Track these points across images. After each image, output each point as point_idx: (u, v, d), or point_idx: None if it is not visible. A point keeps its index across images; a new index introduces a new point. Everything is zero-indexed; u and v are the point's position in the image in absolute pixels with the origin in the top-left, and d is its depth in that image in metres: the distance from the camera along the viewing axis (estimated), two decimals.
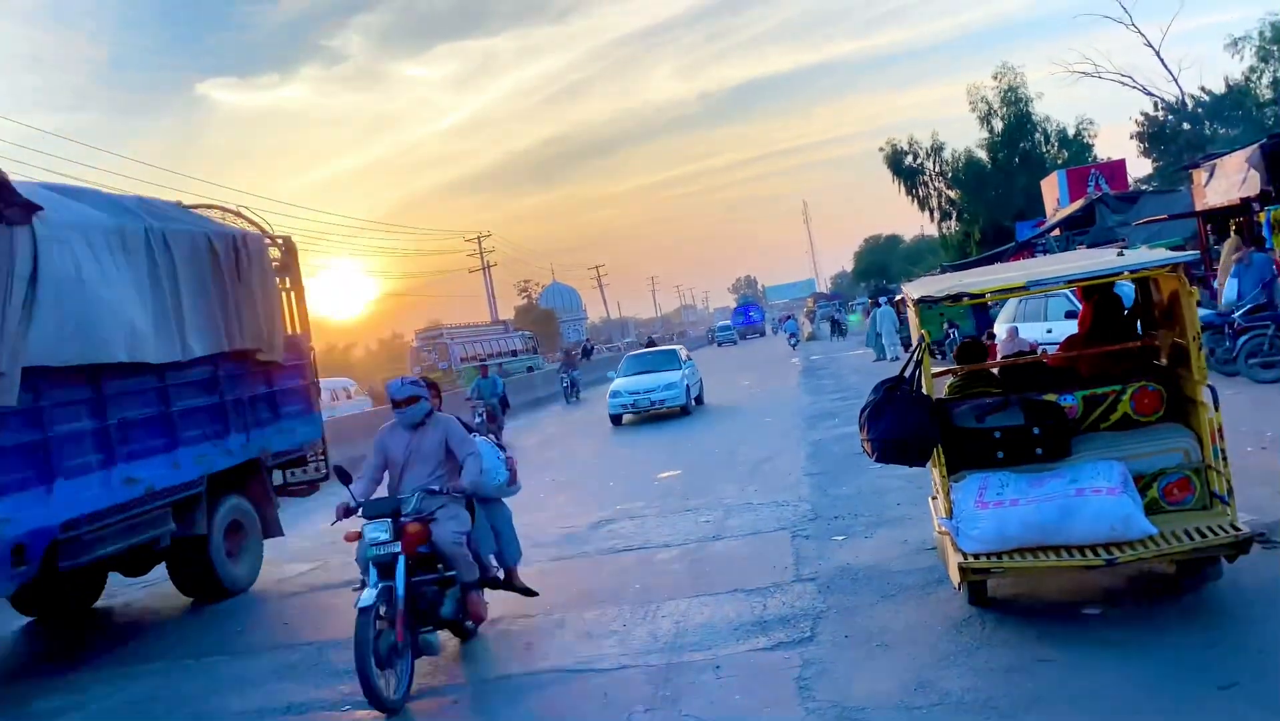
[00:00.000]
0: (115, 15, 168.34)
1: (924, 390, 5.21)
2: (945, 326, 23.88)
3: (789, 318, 64.30)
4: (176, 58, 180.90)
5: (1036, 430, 5.13)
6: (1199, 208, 20.54)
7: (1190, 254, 4.84)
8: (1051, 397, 5.37)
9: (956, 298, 4.99)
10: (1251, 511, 6.38)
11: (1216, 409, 4.92)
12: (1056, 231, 29.18)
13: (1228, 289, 14.53)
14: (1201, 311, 14.21)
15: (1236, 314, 12.85)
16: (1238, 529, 4.71)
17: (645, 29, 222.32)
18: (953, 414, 5.33)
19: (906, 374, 5.23)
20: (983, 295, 5.04)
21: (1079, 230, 28.03)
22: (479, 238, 64.54)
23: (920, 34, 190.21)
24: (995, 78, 46.33)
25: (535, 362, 48.98)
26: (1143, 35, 47.70)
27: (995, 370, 6.00)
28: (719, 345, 65.76)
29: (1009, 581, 5.61)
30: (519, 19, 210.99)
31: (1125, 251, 5.28)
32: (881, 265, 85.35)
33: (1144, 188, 36.06)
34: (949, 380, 5.92)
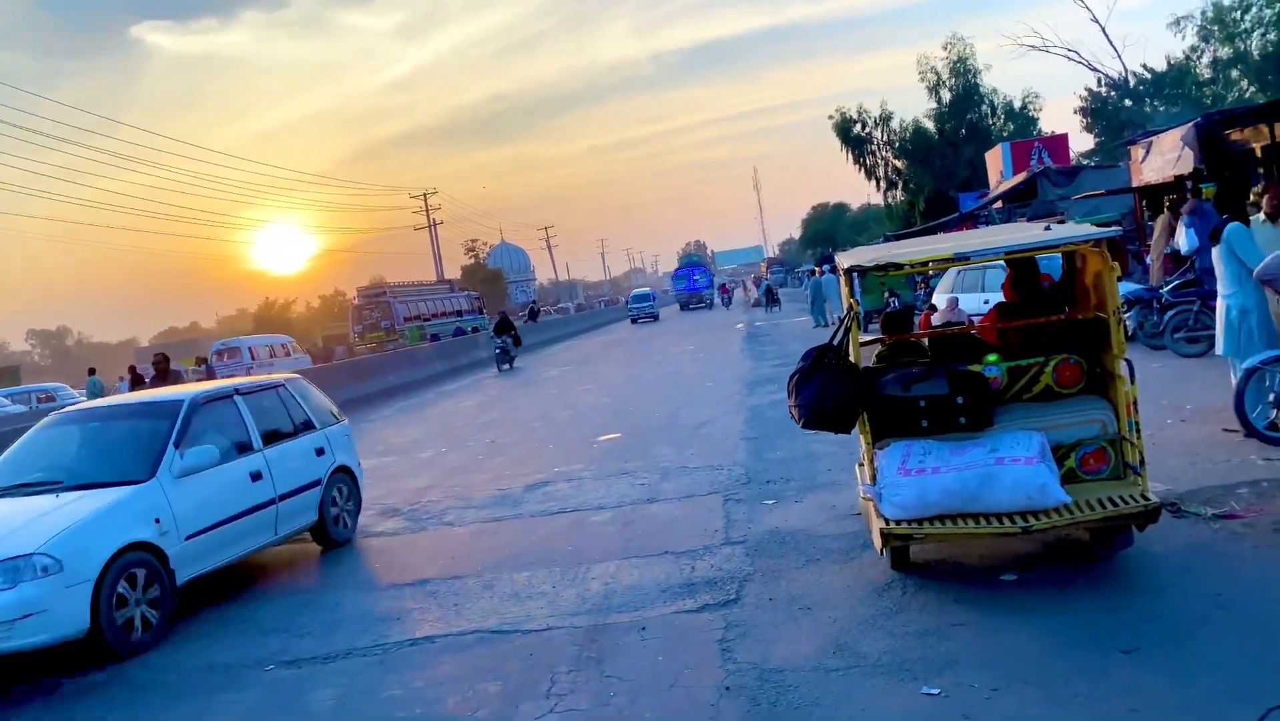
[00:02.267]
0: None
1: (852, 359, 5.26)
2: (886, 295, 24.17)
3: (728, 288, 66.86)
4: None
5: (960, 399, 5.21)
6: (1136, 184, 20.94)
7: (1112, 230, 4.92)
8: (976, 368, 5.46)
9: (885, 267, 5.03)
10: (1167, 481, 6.60)
11: (1133, 382, 5.04)
12: (999, 203, 29.60)
13: (1186, 238, 14.87)
14: (1133, 285, 14.70)
15: (1164, 289, 13.17)
16: (1148, 499, 4.85)
17: None
18: (879, 382, 5.39)
19: (835, 342, 5.27)
20: (910, 265, 5.09)
21: (1021, 203, 28.46)
22: (425, 194, 63.72)
23: (873, 2, 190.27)
24: (945, 48, 46.81)
25: (480, 323, 48.61)
26: (1089, 10, 48.45)
27: (925, 340, 6.08)
28: (635, 322, 53.69)
29: (931, 547, 5.73)
30: None
31: (1053, 226, 5.36)
32: (828, 233, 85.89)
33: (1085, 162, 36.68)
34: (878, 349, 5.99)
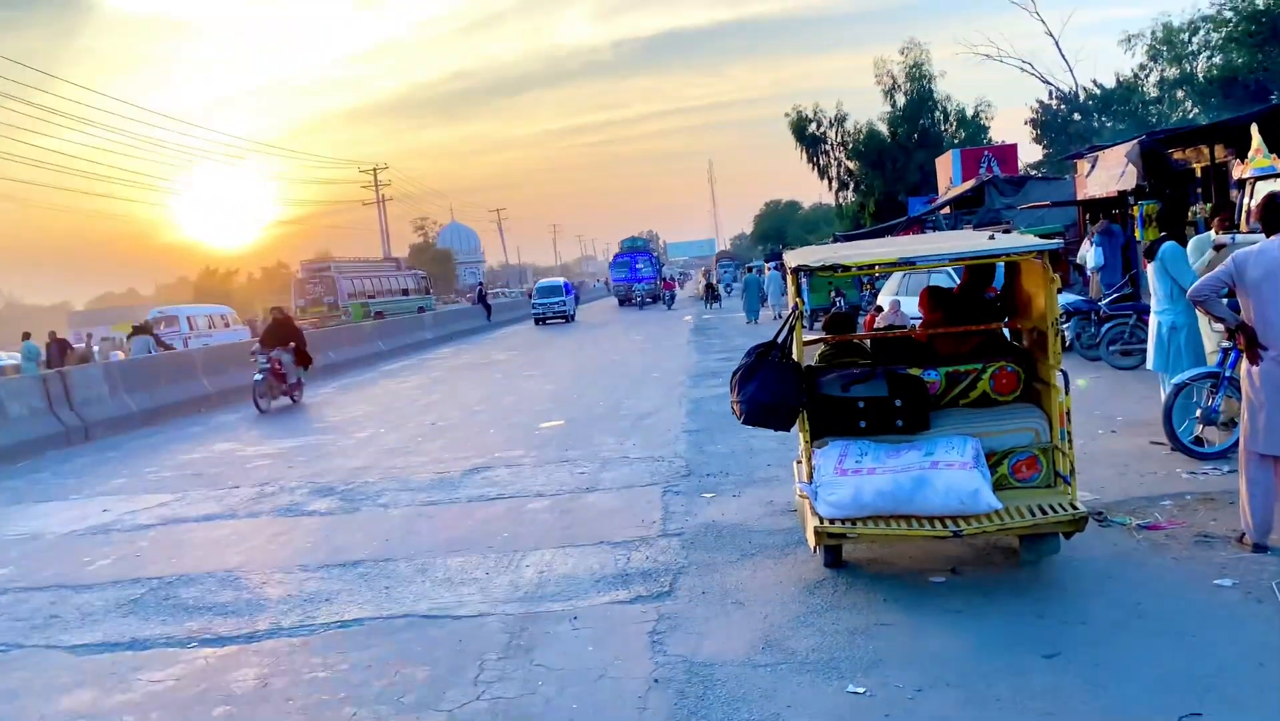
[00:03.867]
0: None
1: (794, 357, 5.29)
2: (832, 295, 24.45)
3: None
4: None
5: (898, 402, 5.26)
6: (1080, 196, 21.39)
7: (1054, 243, 5.00)
8: (916, 371, 5.52)
9: (831, 268, 5.06)
10: (1094, 491, 6.75)
11: (1067, 393, 5.14)
12: (947, 209, 30.04)
13: (1094, 255, 15.51)
14: (1075, 297, 15.02)
15: (1103, 302, 13.47)
16: (1076, 508, 4.95)
17: None
18: (820, 382, 5.43)
19: (780, 340, 5.29)
20: (857, 268, 5.12)
21: (968, 210, 28.92)
22: (374, 170, 62.85)
23: (834, 1, 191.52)
24: (903, 53, 47.36)
25: (426, 303, 48.11)
26: (1044, 24, 49.31)
27: (867, 341, 6.13)
28: (540, 323, 41.12)
29: (864, 546, 5.79)
30: None
31: (997, 235, 5.44)
32: (779, 230, 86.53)
33: (1033, 173, 37.33)
34: (821, 349, 6.02)
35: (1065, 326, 14.10)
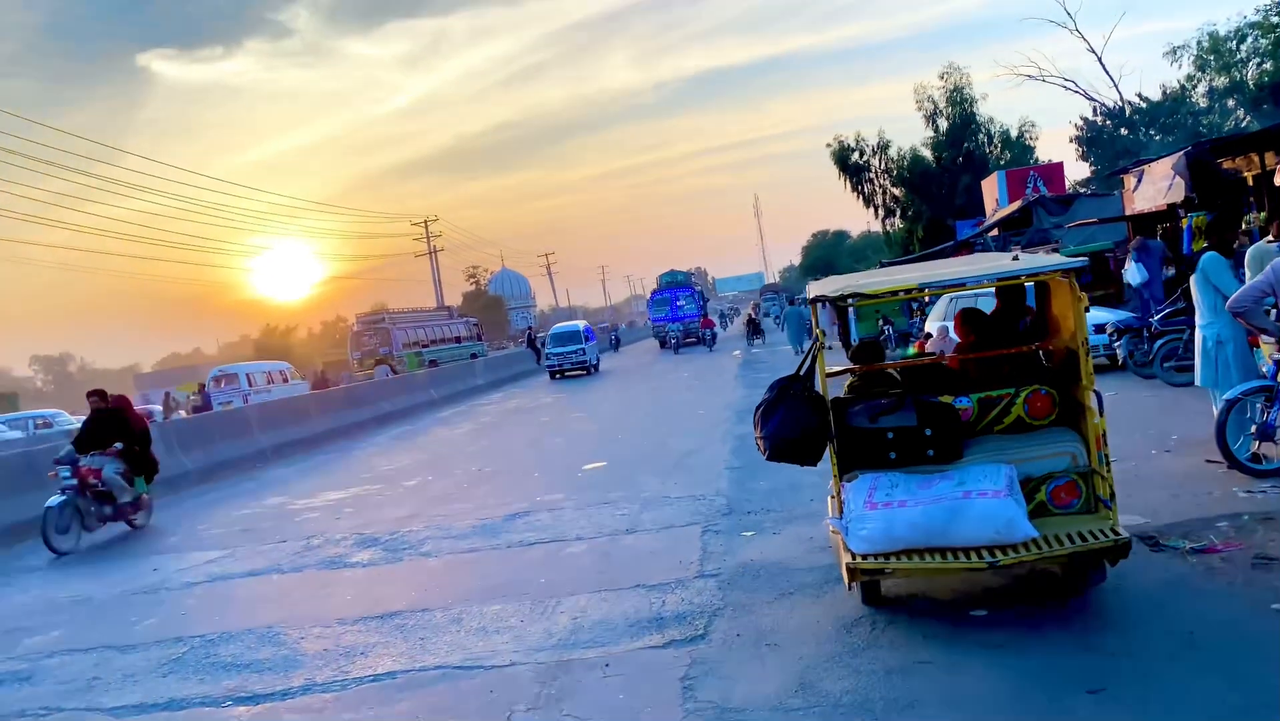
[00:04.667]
0: None
1: (819, 390, 5.18)
2: (880, 323, 24.18)
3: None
4: (116, 26, 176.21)
5: (928, 431, 5.12)
6: (1129, 212, 20.95)
7: (1079, 261, 4.85)
8: (947, 399, 5.37)
9: (849, 297, 4.96)
10: (1146, 514, 6.51)
11: (1101, 414, 4.96)
12: (995, 231, 29.63)
13: (1133, 271, 15.21)
14: (1126, 314, 14.67)
15: (1154, 318, 13.11)
16: (1118, 534, 4.75)
17: (601, 14, 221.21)
18: (847, 413, 5.31)
19: (802, 373, 5.20)
20: (876, 295, 5.02)
21: (1016, 231, 28.49)
22: (425, 222, 63.93)
23: (873, 30, 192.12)
24: (942, 78, 46.99)
25: (479, 350, 48.57)
26: (1085, 41, 48.74)
27: (896, 370, 6.00)
28: (555, 377, 33.63)
29: (903, 581, 5.62)
30: None
31: (1020, 256, 5.30)
32: (828, 260, 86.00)
33: (1082, 191, 36.73)
34: (849, 380, 5.91)
35: (1117, 345, 13.76)
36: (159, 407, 35.77)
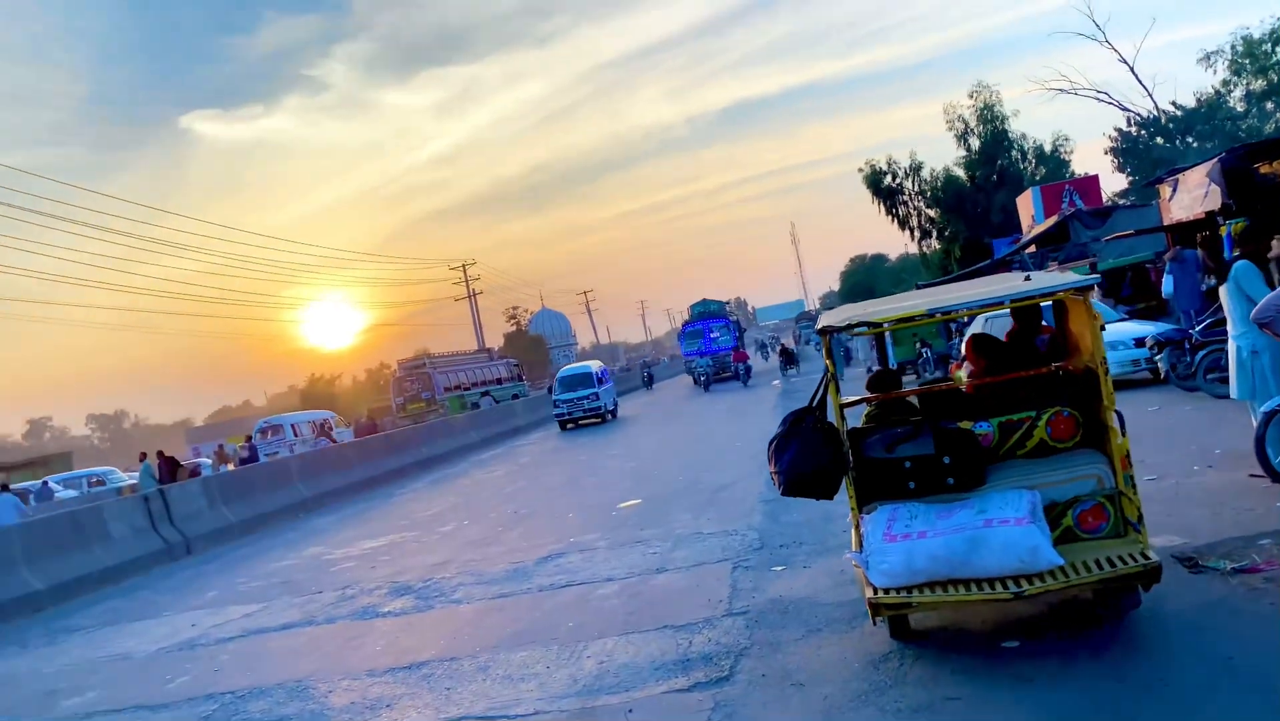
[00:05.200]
0: (96, 50, 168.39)
1: (832, 421, 5.09)
2: (918, 346, 23.88)
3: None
4: (158, 91, 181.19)
5: (947, 459, 5.01)
6: (1166, 222, 20.57)
7: (1090, 278, 4.73)
8: (966, 425, 5.25)
9: (856, 326, 4.88)
10: (1186, 533, 6.31)
11: (1124, 434, 4.81)
12: (1032, 248, 29.24)
13: (1165, 283, 14.94)
14: (1163, 326, 14.35)
15: (1195, 329, 12.80)
16: (1148, 557, 4.59)
17: (630, 53, 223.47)
18: (864, 444, 5.21)
19: (814, 404, 5.12)
20: (882, 324, 4.93)
21: (1054, 246, 28.11)
22: (464, 265, 64.59)
23: (901, 53, 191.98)
24: (971, 96, 46.75)
25: (520, 390, 48.79)
26: (1116, 51, 48.15)
27: (914, 397, 5.89)
28: (566, 427, 29.75)
29: (932, 613, 5.48)
30: (502, 45, 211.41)
31: (1032, 275, 5.18)
32: (867, 284, 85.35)
33: (1120, 202, 36.21)
34: (867, 408, 5.81)
35: (1159, 358, 13.44)
36: (208, 460, 36.25)
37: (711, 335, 43.98)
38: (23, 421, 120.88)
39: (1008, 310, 5.81)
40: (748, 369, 37.74)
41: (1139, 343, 14.10)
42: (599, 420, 30.23)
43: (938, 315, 5.01)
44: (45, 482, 32.94)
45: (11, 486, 33.90)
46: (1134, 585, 4.72)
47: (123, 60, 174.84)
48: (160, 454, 23.40)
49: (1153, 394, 13.00)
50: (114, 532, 13.89)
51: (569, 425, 29.64)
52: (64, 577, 12.48)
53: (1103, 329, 4.73)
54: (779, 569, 7.56)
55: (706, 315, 45.95)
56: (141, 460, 25.54)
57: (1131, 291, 22.00)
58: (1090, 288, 4.68)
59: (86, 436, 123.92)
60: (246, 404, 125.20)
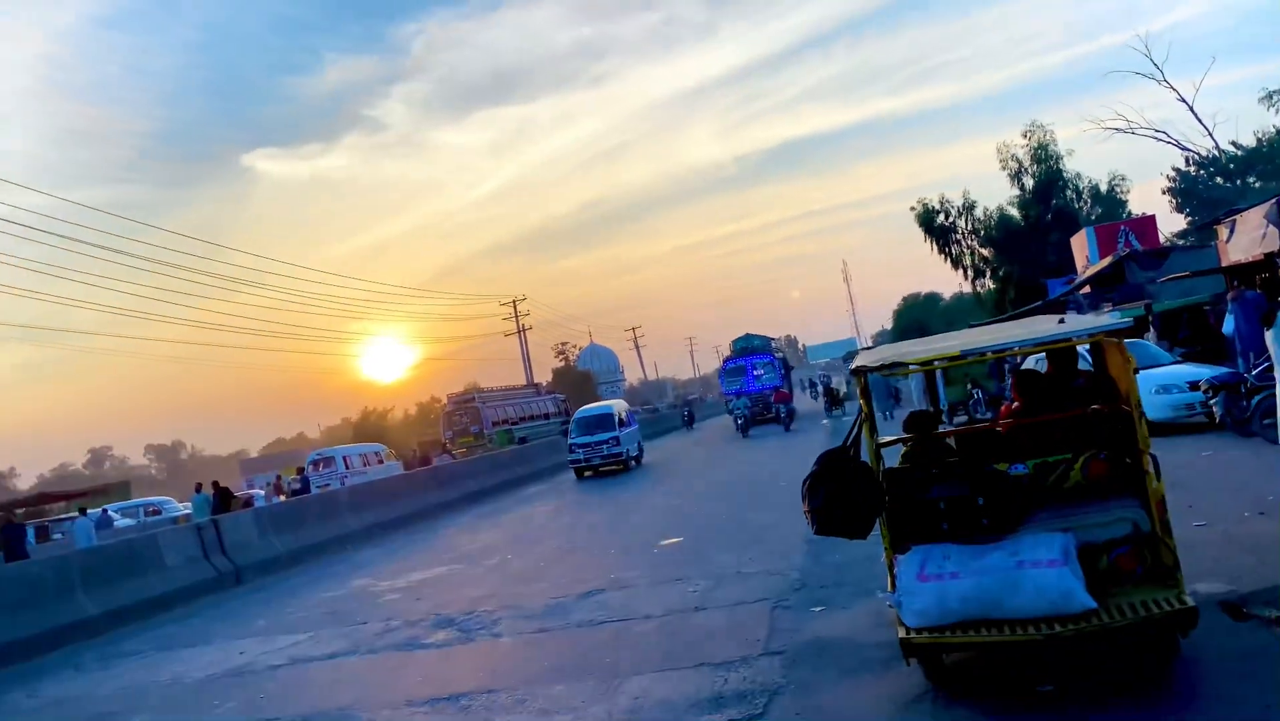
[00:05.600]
0: (163, 90, 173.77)
1: (865, 461, 5.13)
2: (969, 387, 23.65)
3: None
4: (222, 129, 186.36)
5: (981, 500, 5.01)
6: (1224, 264, 20.28)
7: (1122, 322, 4.74)
8: (1002, 466, 5.26)
9: (890, 367, 4.93)
10: (1232, 581, 6.20)
11: (1159, 479, 4.79)
12: (1086, 289, 28.90)
13: (1226, 323, 14.69)
14: (1219, 369, 14.09)
15: (1251, 372, 12.57)
16: (1184, 602, 4.54)
17: (681, 92, 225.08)
18: (898, 484, 5.24)
19: (848, 444, 5.16)
20: (917, 365, 4.98)
21: (1109, 287, 27.74)
22: (514, 301, 65.28)
23: (955, 92, 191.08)
24: (1025, 135, 46.43)
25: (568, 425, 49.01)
26: (1175, 90, 47.55)
27: (952, 439, 5.90)
28: (582, 475, 26.53)
29: (969, 655, 5.45)
30: (555, 85, 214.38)
31: (1066, 319, 5.19)
32: (921, 323, 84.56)
33: (1178, 243, 35.65)
34: (904, 449, 5.83)
35: (1213, 401, 13.20)
36: (260, 492, 36.91)
37: (755, 373, 40.77)
38: (85, 450, 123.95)
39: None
40: (790, 411, 33.87)
41: (1193, 386, 13.85)
42: (621, 467, 26.92)
43: (970, 357, 5.04)
44: (105, 511, 33.74)
45: (63, 515, 34.90)
46: (1171, 630, 4.66)
47: (189, 99, 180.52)
48: (215, 484, 23.88)
49: (1207, 439, 12.77)
50: (169, 561, 14.21)
51: (586, 473, 26.33)
52: (119, 604, 12.79)
53: (1136, 372, 4.73)
54: (818, 609, 7.55)
55: (749, 351, 42.74)
56: (197, 491, 26.15)
57: (1189, 333, 21.63)
58: (1123, 331, 4.68)
59: (145, 466, 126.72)
60: (300, 436, 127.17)
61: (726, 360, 43.46)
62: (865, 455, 5.36)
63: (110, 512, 33.61)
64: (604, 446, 26.30)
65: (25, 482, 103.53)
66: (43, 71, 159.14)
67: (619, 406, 29.13)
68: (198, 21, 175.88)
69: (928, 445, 5.76)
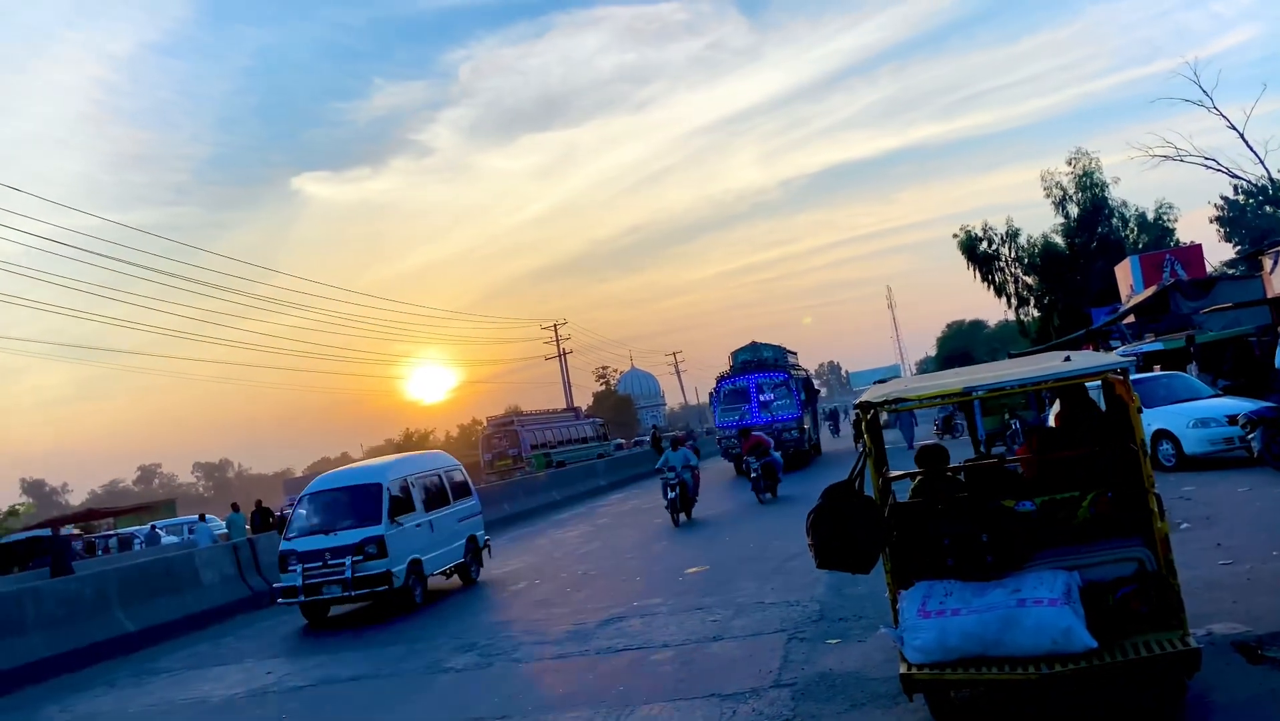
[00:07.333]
0: (216, 115, 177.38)
1: (869, 496, 5.15)
2: (1006, 417, 23.35)
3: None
4: (272, 154, 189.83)
5: (985, 536, 5.00)
6: (1270, 295, 19.91)
7: (1126, 360, 4.72)
8: (1009, 503, 5.25)
9: (893, 402, 4.96)
10: (1252, 622, 6.12)
11: (1163, 518, 4.75)
12: (1130, 318, 28.48)
13: (1278, 356, 14.43)
14: (1259, 404, 13.82)
15: None
16: (1187, 643, 4.50)
17: (725, 118, 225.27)
18: (903, 519, 5.24)
19: (853, 478, 5.18)
20: (920, 401, 4.99)
21: (1152, 317, 27.32)
22: (555, 325, 65.68)
23: (999, 119, 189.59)
24: (1069, 163, 45.97)
25: (605, 449, 49.11)
26: (1225, 118, 46.80)
27: (962, 473, 5.89)
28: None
29: (976, 692, 5.42)
30: (599, 110, 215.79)
31: (1072, 356, 5.18)
32: (965, 350, 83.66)
33: (1226, 272, 35.03)
34: (913, 483, 5.83)
35: (1251, 437, 12.95)
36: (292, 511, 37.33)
37: (761, 397, 28.20)
38: (135, 467, 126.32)
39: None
40: (770, 466, 20.14)
41: (1232, 420, 13.59)
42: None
43: (973, 395, 5.05)
44: (153, 527, 34.38)
45: (120, 531, 35.62)
46: (1174, 672, 4.62)
47: (241, 124, 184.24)
48: (258, 503, 24.27)
49: (1245, 475, 12.53)
50: (204, 579, 14.47)
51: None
52: (155, 621, 13.04)
53: (1139, 411, 4.70)
54: (834, 641, 7.54)
55: (752, 366, 29.69)
56: (233, 510, 26.60)
57: (1232, 365, 21.23)
58: (1126, 370, 4.67)
59: (193, 483, 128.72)
60: (344, 456, 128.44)
61: (722, 379, 29.50)
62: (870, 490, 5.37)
63: (157, 529, 34.22)
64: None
65: (77, 498, 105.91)
66: (98, 96, 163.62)
67: (409, 472, 14.09)
68: (251, 49, 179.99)
69: (937, 480, 5.76)
